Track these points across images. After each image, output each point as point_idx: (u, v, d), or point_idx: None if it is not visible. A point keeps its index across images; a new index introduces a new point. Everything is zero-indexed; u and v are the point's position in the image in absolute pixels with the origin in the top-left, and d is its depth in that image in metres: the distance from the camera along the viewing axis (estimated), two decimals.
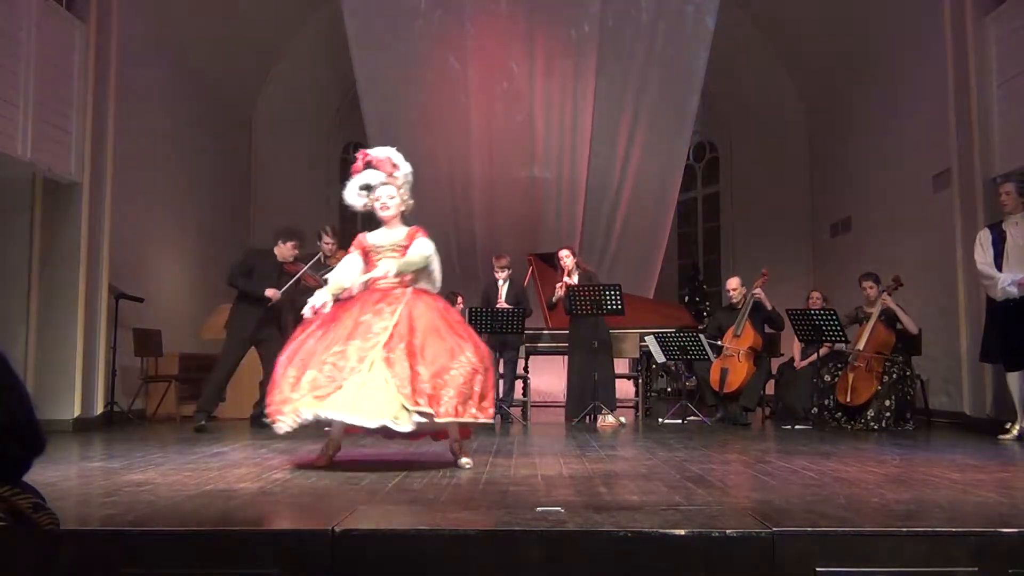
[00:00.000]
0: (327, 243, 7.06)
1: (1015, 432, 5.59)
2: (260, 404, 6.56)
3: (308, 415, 3.66)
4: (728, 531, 2.29)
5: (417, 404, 3.62)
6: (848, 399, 6.51)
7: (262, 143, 11.15)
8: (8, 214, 6.65)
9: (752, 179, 11.73)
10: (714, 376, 7.21)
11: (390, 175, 4.17)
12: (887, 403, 6.36)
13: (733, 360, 7.13)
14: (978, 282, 6.07)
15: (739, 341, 7.15)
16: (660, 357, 7.40)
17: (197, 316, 8.44)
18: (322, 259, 7.00)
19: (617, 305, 6.87)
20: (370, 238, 4.18)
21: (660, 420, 7.30)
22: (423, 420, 3.67)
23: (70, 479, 3.64)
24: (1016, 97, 6.54)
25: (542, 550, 2.28)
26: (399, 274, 4.01)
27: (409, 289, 4.03)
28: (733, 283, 7.65)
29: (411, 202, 4.25)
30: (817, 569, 2.23)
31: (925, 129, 7.77)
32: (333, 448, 4.04)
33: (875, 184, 9.03)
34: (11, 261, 6.60)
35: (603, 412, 6.79)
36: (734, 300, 7.54)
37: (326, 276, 6.86)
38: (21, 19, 6.05)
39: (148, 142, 8.05)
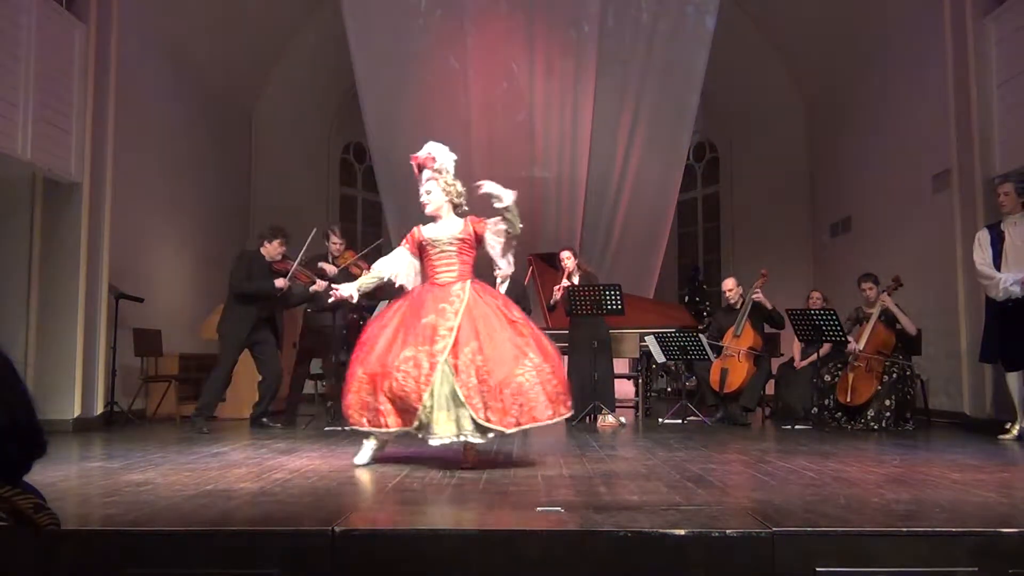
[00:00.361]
0: (335, 243, 7.07)
1: (1015, 432, 5.58)
2: (259, 405, 6.58)
3: (393, 429, 3.87)
4: (728, 531, 2.30)
5: (489, 420, 3.72)
6: (848, 399, 6.51)
7: (262, 143, 11.14)
8: (8, 214, 6.65)
9: (752, 179, 11.73)
10: (714, 376, 7.21)
11: (433, 170, 4.20)
12: (887, 403, 6.36)
13: (733, 360, 7.13)
14: (978, 282, 6.07)
15: (739, 341, 7.15)
16: (660, 357, 7.40)
17: (197, 316, 8.44)
18: (329, 258, 7.02)
19: (617, 305, 6.87)
20: (426, 232, 4.17)
21: (660, 420, 7.30)
22: (489, 428, 3.75)
23: (70, 479, 3.65)
24: (1016, 97, 6.54)
25: (542, 550, 2.28)
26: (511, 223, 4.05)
27: (468, 283, 4.06)
28: (728, 284, 7.65)
29: (459, 188, 4.21)
30: (817, 569, 2.23)
31: (925, 129, 7.77)
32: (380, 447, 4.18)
33: (875, 184, 9.03)
34: (11, 261, 6.60)
35: (603, 412, 6.79)
36: (731, 301, 7.54)
37: (320, 265, 6.91)
38: (21, 19, 6.05)
39: (148, 142, 8.04)
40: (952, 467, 3.97)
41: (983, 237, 5.85)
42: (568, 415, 3.98)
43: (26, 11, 6.08)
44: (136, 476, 3.66)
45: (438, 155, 4.20)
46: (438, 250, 4.11)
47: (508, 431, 3.76)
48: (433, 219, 4.22)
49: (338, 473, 3.74)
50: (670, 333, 7.42)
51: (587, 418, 6.89)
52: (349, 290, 4.16)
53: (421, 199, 4.19)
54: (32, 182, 6.62)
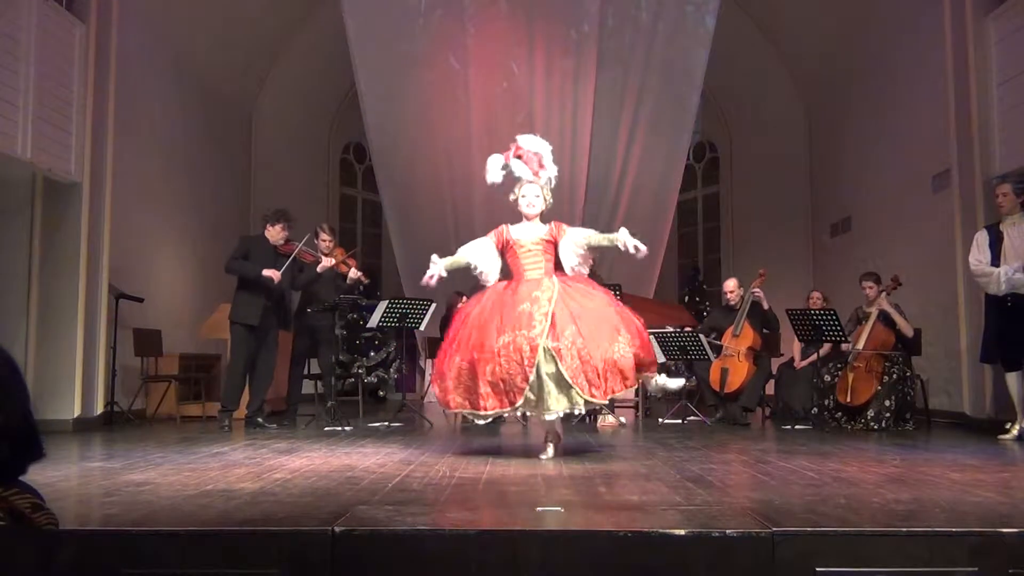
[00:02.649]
0: (324, 240, 7.08)
1: (1015, 432, 5.58)
2: (251, 404, 6.54)
3: (491, 412, 4.15)
4: (728, 531, 2.29)
5: (593, 396, 4.07)
6: (848, 399, 6.51)
7: (262, 143, 11.14)
8: (8, 214, 6.65)
9: (752, 179, 11.73)
10: (714, 376, 7.21)
11: (535, 174, 4.46)
12: (887, 403, 6.36)
13: (733, 360, 7.13)
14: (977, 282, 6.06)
15: (738, 341, 7.14)
16: (660, 357, 7.38)
17: (197, 316, 8.44)
18: (320, 253, 7.01)
19: None
20: (513, 232, 4.48)
21: (660, 420, 7.30)
22: (594, 402, 4.15)
23: (70, 479, 3.64)
24: (1016, 97, 6.53)
25: (542, 550, 2.28)
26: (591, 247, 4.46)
27: (554, 276, 4.36)
28: (730, 284, 7.64)
29: (551, 202, 4.54)
30: (817, 569, 2.23)
31: (925, 129, 7.77)
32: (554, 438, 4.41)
33: (875, 184, 9.03)
34: (11, 261, 6.60)
35: (603, 412, 6.79)
36: (732, 302, 7.54)
37: (322, 252, 6.92)
38: (21, 19, 6.05)
39: (148, 142, 8.04)
40: (952, 467, 3.97)
41: (981, 238, 5.84)
42: (654, 375, 4.36)
43: (26, 11, 6.08)
44: (136, 476, 3.66)
45: (547, 162, 4.50)
46: (526, 249, 4.42)
47: (607, 400, 4.17)
48: (521, 218, 4.50)
49: (338, 473, 3.74)
50: (670, 333, 7.42)
51: (587, 418, 6.88)
52: (438, 268, 4.40)
53: (527, 200, 4.45)
54: (32, 182, 6.62)
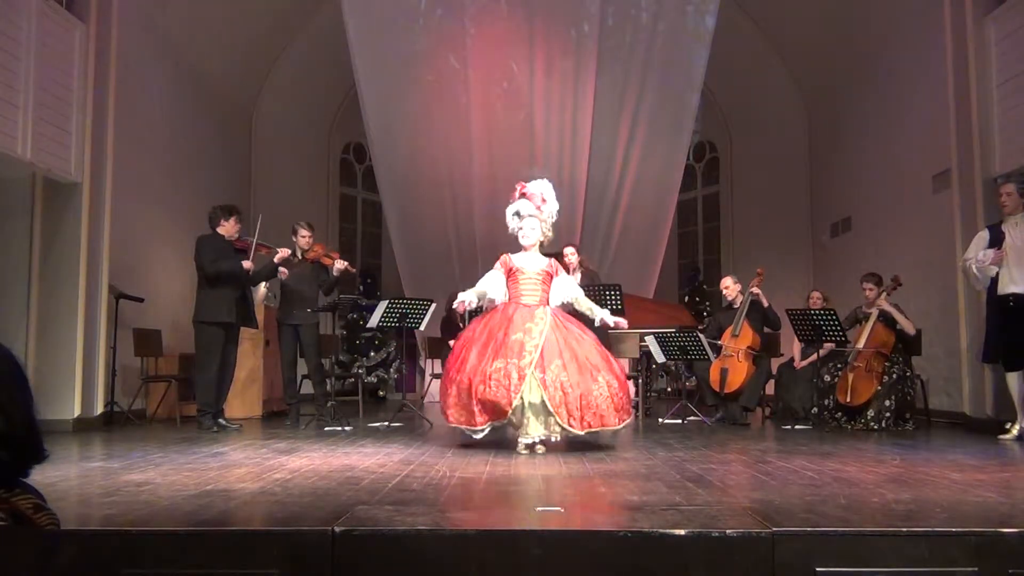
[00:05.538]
0: (303, 236, 7.05)
1: (1015, 432, 5.58)
2: (216, 403, 6.44)
3: (486, 427, 4.65)
4: (728, 531, 2.29)
5: (571, 426, 4.53)
6: (848, 399, 6.51)
7: (262, 143, 11.14)
8: (8, 214, 6.65)
9: (752, 179, 11.73)
10: (714, 376, 7.21)
11: (538, 208, 4.95)
12: (887, 403, 6.36)
13: (733, 360, 7.13)
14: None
15: (737, 341, 7.14)
16: (660, 357, 7.39)
17: None
18: (298, 252, 6.97)
19: (617, 305, 6.87)
20: (516, 260, 4.97)
21: (660, 420, 7.30)
22: (570, 431, 4.56)
23: (70, 479, 3.64)
24: (1016, 97, 6.53)
25: (542, 550, 2.28)
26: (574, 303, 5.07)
27: (548, 308, 4.84)
28: (726, 282, 7.65)
29: (551, 235, 5.06)
30: (817, 569, 2.23)
31: (925, 129, 7.77)
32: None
33: (875, 184, 9.03)
34: (11, 261, 6.60)
35: None
36: (729, 298, 7.54)
37: (302, 248, 6.92)
38: (21, 19, 6.05)
39: (148, 142, 8.04)
40: (952, 467, 3.97)
41: (981, 239, 5.85)
42: (629, 420, 4.78)
43: (26, 11, 6.08)
44: (136, 476, 3.66)
45: (550, 201, 4.98)
46: (526, 276, 4.91)
47: (583, 432, 4.57)
48: (520, 247, 5.01)
49: (338, 473, 3.74)
50: (670, 333, 7.41)
51: None
52: (468, 296, 4.95)
53: (523, 231, 4.96)
54: (32, 182, 6.62)
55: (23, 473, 1.78)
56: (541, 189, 5.00)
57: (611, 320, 4.94)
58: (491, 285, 4.98)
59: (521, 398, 4.49)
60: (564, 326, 4.78)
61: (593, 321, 5.07)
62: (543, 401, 4.50)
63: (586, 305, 5.06)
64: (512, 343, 4.58)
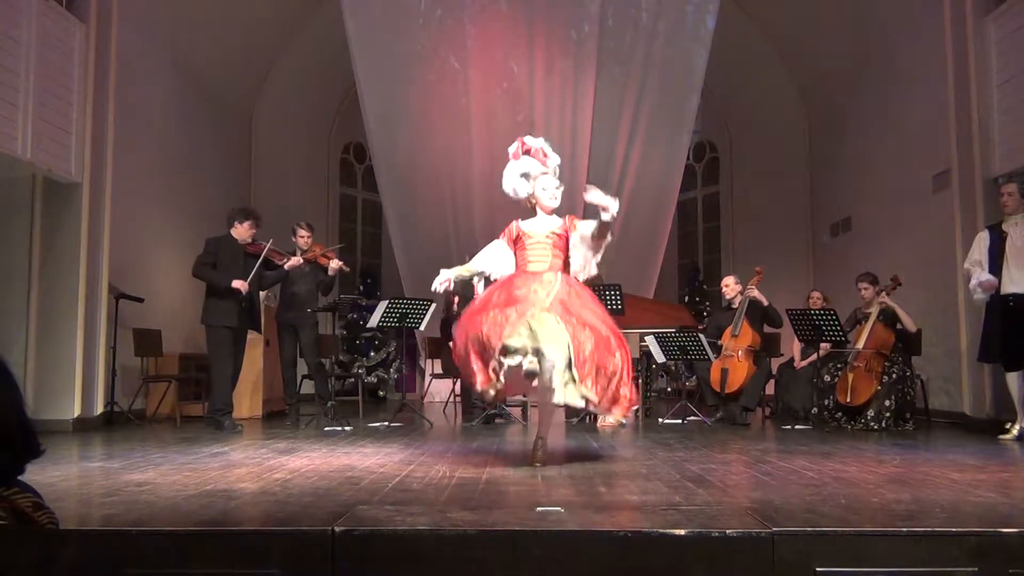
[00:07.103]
0: (302, 236, 7.07)
1: (1015, 432, 5.58)
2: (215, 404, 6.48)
3: (481, 389, 3.83)
4: (728, 531, 2.29)
5: (587, 388, 3.75)
6: (848, 399, 6.51)
7: (262, 143, 11.14)
8: (8, 214, 6.65)
9: (752, 179, 11.73)
10: (714, 376, 7.20)
11: (545, 165, 4.25)
12: (887, 403, 6.36)
13: (733, 360, 7.13)
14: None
15: (737, 341, 7.14)
16: (660, 357, 7.39)
17: (197, 316, 8.39)
18: (297, 252, 6.99)
19: (617, 305, 6.87)
20: (524, 226, 4.23)
21: (660, 420, 7.30)
22: (589, 396, 3.77)
23: (70, 479, 3.65)
24: (1016, 97, 6.53)
25: (542, 550, 2.28)
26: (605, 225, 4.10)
27: (559, 272, 4.10)
28: (727, 281, 7.65)
29: (563, 186, 4.34)
30: (817, 569, 2.23)
31: (925, 129, 7.77)
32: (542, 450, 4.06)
33: (875, 184, 9.03)
34: (11, 261, 6.60)
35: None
36: (728, 298, 7.54)
37: (300, 249, 6.90)
38: (21, 19, 6.05)
39: (148, 142, 8.04)
40: (952, 467, 3.97)
41: (982, 239, 5.85)
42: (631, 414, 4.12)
43: (26, 11, 6.08)
44: (136, 476, 3.66)
45: (551, 155, 4.27)
46: (534, 240, 4.16)
47: (596, 399, 3.80)
48: (532, 213, 4.28)
49: (338, 473, 3.74)
50: (670, 333, 7.41)
51: (587, 418, 6.89)
52: (447, 275, 4.20)
53: (549, 193, 4.21)
54: (32, 182, 6.62)
55: (20, 470, 1.78)
56: (540, 145, 4.31)
57: (599, 201, 3.99)
58: (489, 258, 4.27)
59: (529, 330, 3.76)
60: (578, 291, 4.06)
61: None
62: (570, 358, 3.73)
63: (590, 223, 4.24)
64: (514, 297, 3.91)
